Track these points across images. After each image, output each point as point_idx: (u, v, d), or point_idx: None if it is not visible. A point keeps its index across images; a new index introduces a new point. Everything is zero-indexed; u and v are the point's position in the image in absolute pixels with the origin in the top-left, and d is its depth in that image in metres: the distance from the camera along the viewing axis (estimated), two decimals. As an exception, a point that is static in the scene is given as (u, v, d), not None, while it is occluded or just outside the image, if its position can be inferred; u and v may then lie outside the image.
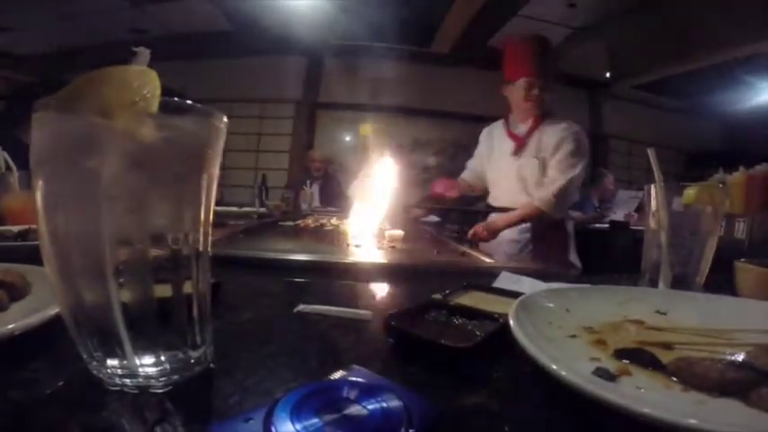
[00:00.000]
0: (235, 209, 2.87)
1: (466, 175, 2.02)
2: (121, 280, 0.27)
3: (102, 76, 0.28)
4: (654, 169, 0.68)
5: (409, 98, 4.77)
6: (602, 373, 0.27)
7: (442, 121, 5.24)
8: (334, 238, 1.30)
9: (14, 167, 1.13)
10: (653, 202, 0.66)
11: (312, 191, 3.27)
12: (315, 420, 0.20)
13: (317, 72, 5.20)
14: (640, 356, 0.30)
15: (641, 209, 3.25)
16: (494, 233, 1.63)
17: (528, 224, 1.68)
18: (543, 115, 1.69)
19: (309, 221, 1.77)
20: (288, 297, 0.56)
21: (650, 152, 0.71)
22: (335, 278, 0.71)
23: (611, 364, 0.29)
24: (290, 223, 1.74)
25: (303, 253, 0.89)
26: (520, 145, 1.71)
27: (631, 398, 0.22)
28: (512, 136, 1.76)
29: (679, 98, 5.37)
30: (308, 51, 4.82)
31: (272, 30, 4.11)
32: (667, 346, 0.34)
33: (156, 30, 4.17)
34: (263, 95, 5.17)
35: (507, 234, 1.71)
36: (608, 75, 5.04)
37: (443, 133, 5.34)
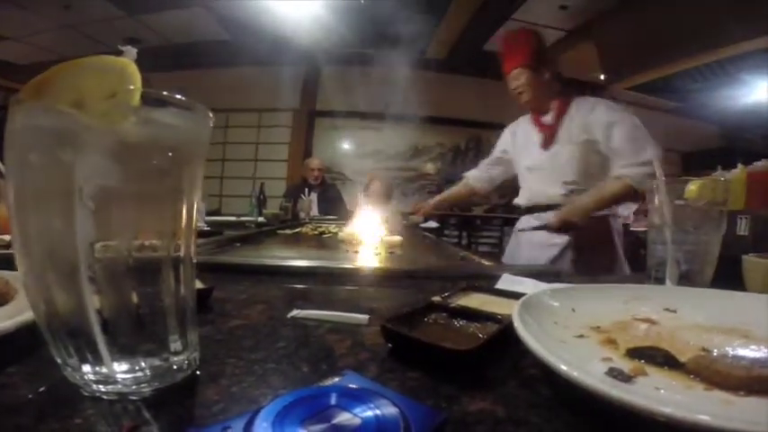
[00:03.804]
0: (233, 218, 2.85)
1: (471, 175, 1.90)
2: (96, 283, 0.25)
3: (76, 66, 0.26)
4: (655, 164, 0.67)
5: (407, 105, 4.78)
6: (616, 374, 0.25)
7: (440, 127, 5.24)
8: (332, 244, 1.28)
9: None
10: (656, 198, 0.65)
11: (311, 199, 3.25)
12: (300, 431, 0.17)
13: (314, 80, 5.22)
14: (655, 355, 0.28)
15: (638, 212, 3.24)
16: (584, 217, 1.41)
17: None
18: (568, 99, 1.54)
19: (308, 229, 1.75)
20: (282, 303, 0.54)
21: None
22: (333, 284, 0.69)
23: (625, 364, 0.27)
24: (289, 231, 1.72)
25: (300, 259, 0.87)
26: (550, 133, 1.56)
27: (654, 399, 0.20)
28: (539, 125, 1.61)
29: (674, 98, 5.39)
30: (304, 60, 4.83)
31: (269, 38, 4.12)
32: (682, 344, 0.32)
33: (152, 39, 4.20)
34: (261, 104, 5.18)
35: (540, 237, 1.54)
36: (602, 77, 5.05)
37: (442, 139, 5.35)
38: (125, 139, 0.26)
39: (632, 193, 1.40)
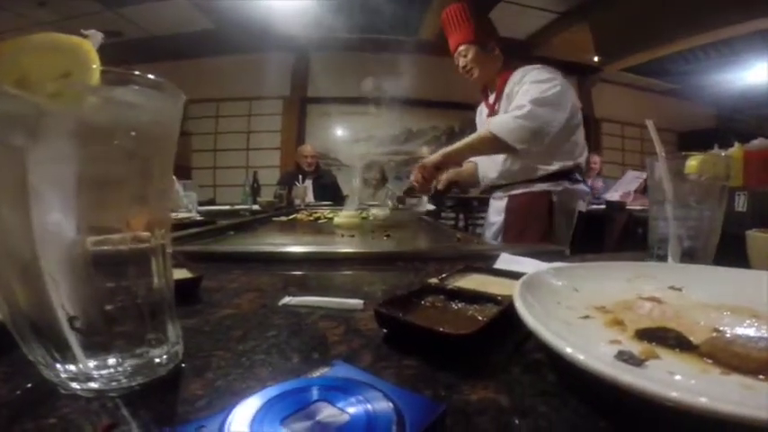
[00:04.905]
0: (227, 207, 2.82)
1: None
2: (59, 277, 0.23)
3: (18, 44, 0.23)
4: (654, 140, 0.65)
5: (399, 88, 4.71)
6: (626, 357, 0.23)
7: (433, 109, 5.19)
8: (327, 230, 1.27)
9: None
10: (656, 174, 0.63)
11: (306, 186, 3.22)
12: (280, 430, 0.16)
13: (303, 67, 5.14)
14: (666, 337, 0.27)
15: (636, 190, 3.23)
16: (432, 172, 1.42)
17: (504, 204, 1.50)
18: (509, 73, 1.44)
19: (303, 215, 1.73)
20: (274, 291, 0.52)
21: (649, 123, 0.68)
22: (327, 269, 0.67)
23: (635, 347, 0.26)
24: (284, 218, 1.70)
25: (294, 245, 0.85)
26: (492, 112, 1.53)
27: (670, 385, 0.18)
28: (487, 105, 1.60)
29: (669, 80, 5.37)
30: (293, 46, 4.74)
31: (256, 25, 4.02)
32: (692, 324, 0.31)
33: (132, 32, 4.09)
34: (251, 93, 5.10)
35: (489, 215, 1.60)
36: (596, 59, 5.00)
37: (436, 122, 5.30)
38: (82, 120, 0.24)
39: (494, 141, 1.29)
